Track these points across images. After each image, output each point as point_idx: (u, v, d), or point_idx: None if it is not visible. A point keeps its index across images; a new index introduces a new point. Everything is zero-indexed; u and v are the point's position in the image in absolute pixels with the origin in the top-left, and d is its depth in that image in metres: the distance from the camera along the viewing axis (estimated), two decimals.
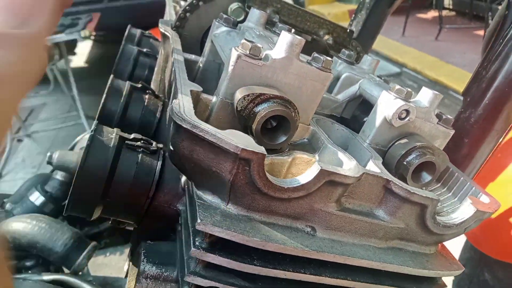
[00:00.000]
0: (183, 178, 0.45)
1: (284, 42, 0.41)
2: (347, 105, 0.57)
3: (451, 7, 6.98)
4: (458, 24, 6.33)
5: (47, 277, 0.62)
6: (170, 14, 0.80)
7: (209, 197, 0.37)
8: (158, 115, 0.58)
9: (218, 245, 0.36)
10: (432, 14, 7.13)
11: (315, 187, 0.36)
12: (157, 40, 0.92)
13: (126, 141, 0.43)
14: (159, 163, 0.45)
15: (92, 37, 4.91)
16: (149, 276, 0.40)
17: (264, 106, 0.39)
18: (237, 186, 0.35)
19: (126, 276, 0.47)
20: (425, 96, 0.49)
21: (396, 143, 0.49)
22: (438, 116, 0.51)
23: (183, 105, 0.36)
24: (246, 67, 0.40)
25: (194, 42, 0.69)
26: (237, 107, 0.40)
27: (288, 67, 0.41)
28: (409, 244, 0.45)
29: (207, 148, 0.34)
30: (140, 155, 0.44)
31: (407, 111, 0.46)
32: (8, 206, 0.84)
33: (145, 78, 0.73)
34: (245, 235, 0.34)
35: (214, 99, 0.43)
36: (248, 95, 0.39)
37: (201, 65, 0.58)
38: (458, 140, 0.62)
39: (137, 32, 0.88)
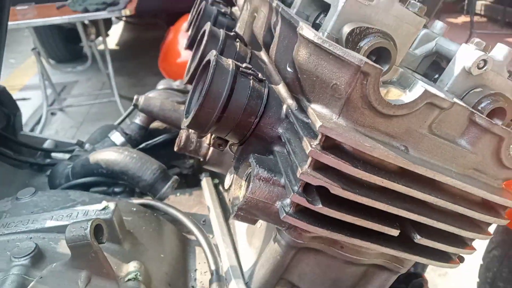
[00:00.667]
0: (285, 106, 0.52)
1: None
2: (422, 60, 0.62)
3: (482, 12, 6.87)
4: (489, 30, 6.23)
5: (137, 200, 0.70)
6: None
7: (322, 111, 0.44)
8: (247, 61, 0.64)
9: (327, 150, 0.42)
10: (462, 19, 7.03)
11: (417, 107, 0.42)
12: (225, 5, 0.99)
13: (240, 69, 0.50)
14: (267, 89, 0.51)
15: (124, 19, 5.04)
16: (261, 178, 0.47)
17: (370, 38, 0.45)
18: (352, 99, 0.41)
19: (229, 187, 0.54)
20: (499, 51, 0.54)
21: (471, 92, 0.54)
22: (509, 72, 0.56)
23: (308, 28, 0.42)
24: (353, 5, 0.46)
25: None
26: (345, 40, 0.46)
27: (389, 9, 0.47)
28: (482, 176, 0.50)
29: (332, 62, 0.40)
30: (251, 81, 0.50)
31: (485, 61, 0.52)
32: (87, 146, 0.92)
33: None
34: (357, 140, 0.41)
35: (319, 34, 0.49)
36: (356, 28, 0.45)
37: None
38: None
39: None
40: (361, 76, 0.39)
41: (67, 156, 1.04)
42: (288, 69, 0.45)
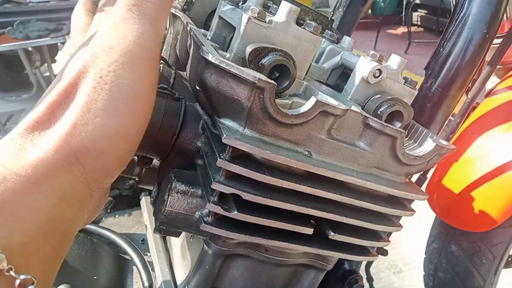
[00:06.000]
0: (201, 121, 0.55)
1: (284, 9, 0.52)
2: (331, 73, 0.68)
3: (419, 23, 7.39)
4: (426, 39, 6.70)
5: None
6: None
7: (230, 123, 0.47)
8: (171, 80, 0.67)
9: (237, 159, 0.46)
10: (401, 30, 7.53)
11: (312, 115, 0.47)
12: None
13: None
14: (183, 107, 0.54)
15: None
16: (179, 191, 0.49)
17: (270, 57, 0.50)
18: (253, 112, 0.45)
19: (154, 202, 0.56)
20: (393, 61, 0.61)
21: (371, 99, 0.60)
22: (404, 79, 0.63)
23: (209, 50, 0.46)
24: (254, 27, 0.51)
25: (198, 24, 0.79)
26: (248, 59, 0.50)
27: (287, 29, 0.52)
28: (384, 173, 0.56)
29: (231, 80, 0.44)
30: (167, 100, 0.53)
31: (380, 71, 0.58)
32: None
33: None
34: (260, 148, 0.45)
35: (228, 54, 0.53)
36: (257, 48, 0.50)
37: (209, 38, 0.69)
38: (422, 106, 0.74)
39: None
40: (258, 91, 0.43)
41: None
42: (197, 87, 0.49)
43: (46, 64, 3.56)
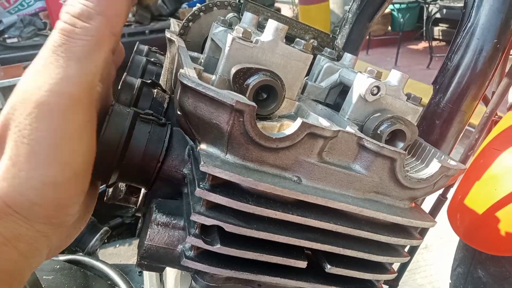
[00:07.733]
0: (188, 147, 0.53)
1: (271, 28, 0.49)
2: (329, 92, 0.65)
3: (441, 37, 7.26)
4: None
5: (63, 257, 0.68)
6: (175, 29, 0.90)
7: (210, 149, 0.44)
8: (165, 105, 0.66)
9: (218, 188, 0.43)
10: (422, 45, 7.41)
11: (299, 138, 0.43)
12: (162, 54, 1.02)
13: (140, 115, 0.51)
14: (168, 133, 0.52)
15: None
16: (159, 223, 0.46)
17: (255, 77, 0.47)
18: (234, 136, 0.42)
19: (138, 234, 0.53)
20: (394, 76, 0.57)
21: (371, 117, 0.56)
22: (407, 95, 0.59)
23: (188, 72, 0.44)
24: (239, 48, 0.49)
25: (196, 47, 0.78)
26: (232, 80, 0.48)
27: (274, 48, 0.50)
28: (385, 198, 0.51)
29: (208, 103, 0.41)
30: (151, 126, 0.51)
31: (378, 88, 0.54)
32: None
33: None
34: (241, 175, 0.41)
35: (213, 77, 0.51)
36: (241, 69, 0.47)
37: (202, 61, 0.67)
38: (431, 123, 0.69)
39: (145, 47, 0.98)
40: (237, 114, 0.41)
41: None
42: (178, 112, 0.47)
43: None
